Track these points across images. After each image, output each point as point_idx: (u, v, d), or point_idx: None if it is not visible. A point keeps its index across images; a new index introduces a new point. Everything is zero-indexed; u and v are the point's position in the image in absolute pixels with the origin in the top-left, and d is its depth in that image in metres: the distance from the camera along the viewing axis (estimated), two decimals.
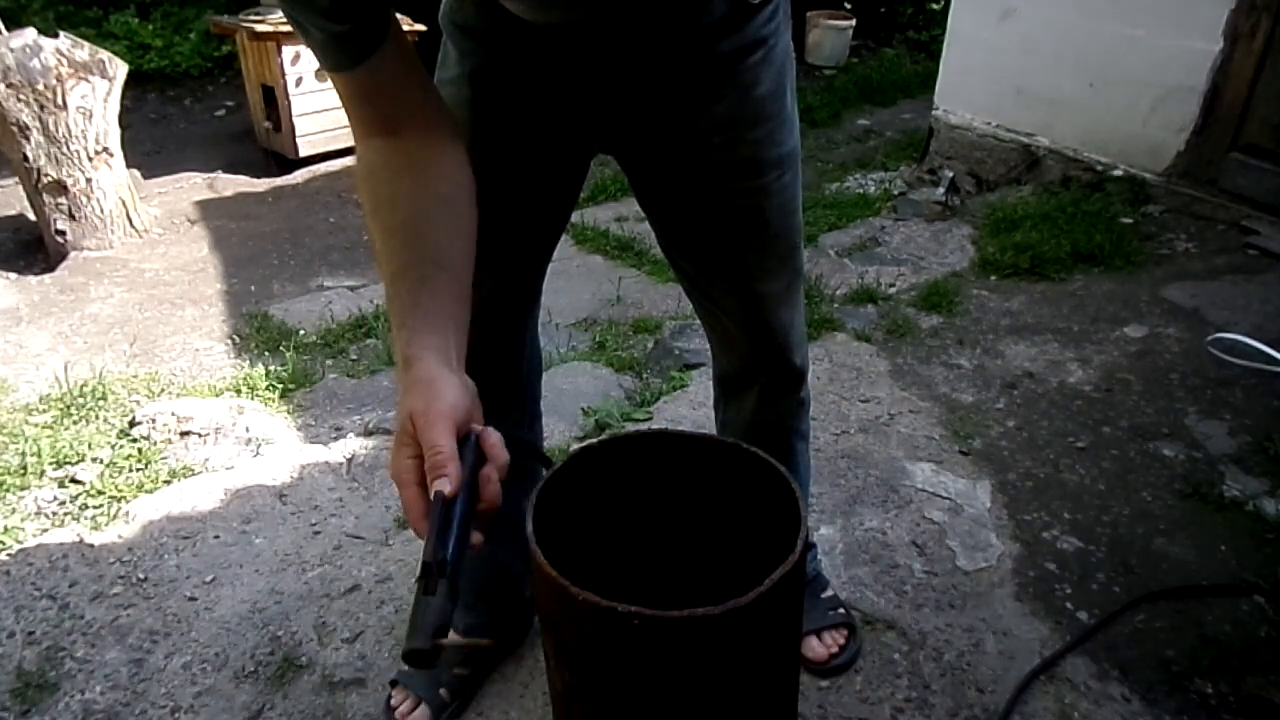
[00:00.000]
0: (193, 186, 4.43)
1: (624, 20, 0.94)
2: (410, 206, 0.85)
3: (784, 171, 1.10)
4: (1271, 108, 2.88)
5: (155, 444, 2.14)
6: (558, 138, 1.06)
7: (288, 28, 3.94)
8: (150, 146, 4.98)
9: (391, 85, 0.85)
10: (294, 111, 4.36)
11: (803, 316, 1.28)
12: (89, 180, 3.46)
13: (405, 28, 1.05)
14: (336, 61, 0.83)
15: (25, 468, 2.04)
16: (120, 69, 3.49)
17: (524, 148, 1.05)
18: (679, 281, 1.26)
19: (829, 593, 1.54)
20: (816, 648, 1.46)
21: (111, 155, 3.53)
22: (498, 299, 1.16)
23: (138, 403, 2.38)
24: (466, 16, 1.01)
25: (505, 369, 1.25)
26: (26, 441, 2.12)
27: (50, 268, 3.47)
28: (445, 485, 0.70)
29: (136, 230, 3.69)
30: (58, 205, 3.46)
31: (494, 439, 0.76)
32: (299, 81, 4.29)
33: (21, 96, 3.23)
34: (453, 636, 0.70)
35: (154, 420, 2.20)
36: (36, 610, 1.65)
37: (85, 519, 1.89)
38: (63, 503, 1.95)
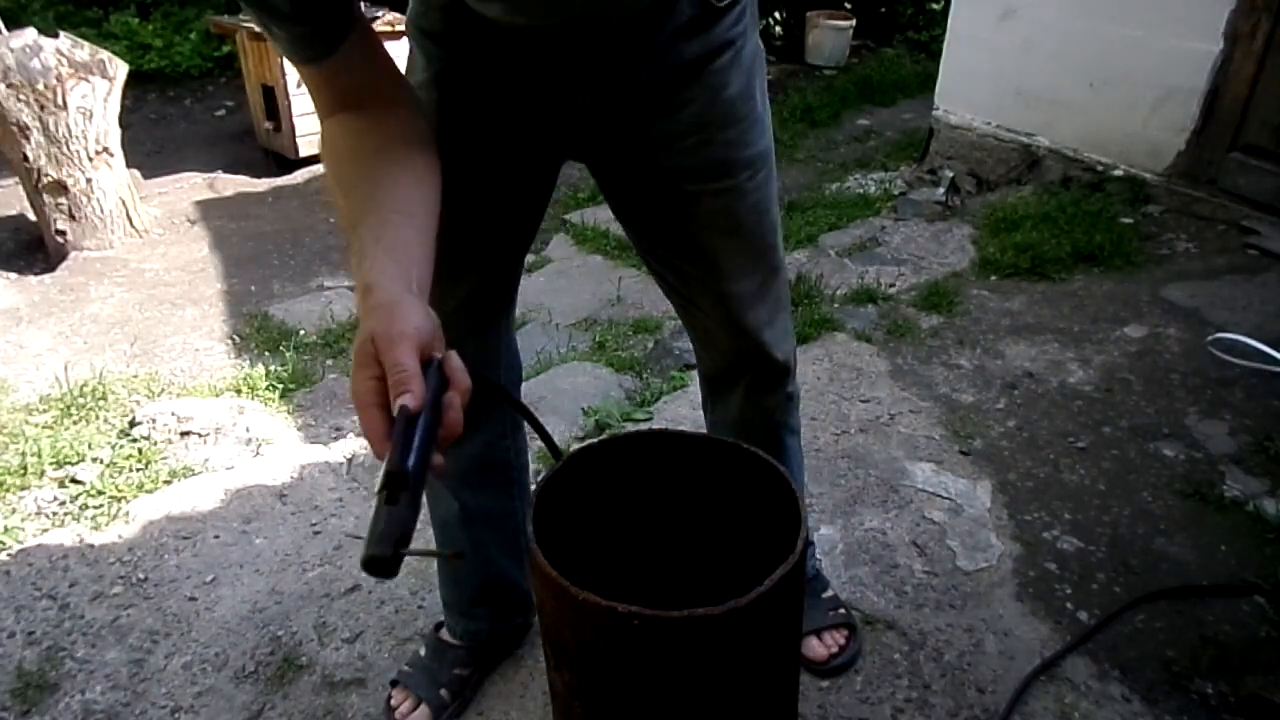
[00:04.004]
0: (193, 186, 4.43)
1: (590, 25, 0.94)
2: (369, 164, 0.86)
3: (756, 172, 1.09)
4: (1271, 108, 2.88)
5: (155, 444, 2.14)
6: (524, 142, 1.05)
7: None
8: (150, 146, 4.98)
9: (356, 71, 0.87)
10: (294, 111, 4.36)
11: (785, 312, 1.26)
12: (89, 180, 3.46)
13: (403, 28, 1.06)
14: (303, 57, 0.84)
15: (25, 468, 2.04)
16: (120, 69, 3.49)
17: (490, 152, 1.05)
18: (657, 283, 1.25)
19: (829, 593, 1.54)
20: (817, 648, 1.46)
21: (111, 155, 3.53)
22: (471, 304, 1.15)
23: (138, 403, 2.38)
24: (431, 22, 1.01)
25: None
26: (26, 441, 2.13)
27: (50, 268, 3.47)
28: (410, 400, 0.68)
29: (136, 230, 3.69)
30: (58, 205, 3.46)
31: (456, 364, 0.75)
32: (299, 82, 4.29)
33: (21, 96, 3.23)
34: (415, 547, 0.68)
35: (154, 420, 2.20)
36: (36, 610, 1.65)
37: (85, 519, 1.89)
38: (63, 503, 1.95)
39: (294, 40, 0.82)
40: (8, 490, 1.98)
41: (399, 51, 1.01)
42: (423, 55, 1.03)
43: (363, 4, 0.88)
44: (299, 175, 4.52)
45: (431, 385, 0.71)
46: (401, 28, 1.05)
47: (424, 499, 1.33)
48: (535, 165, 1.10)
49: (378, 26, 3.63)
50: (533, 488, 1.63)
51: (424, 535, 1.73)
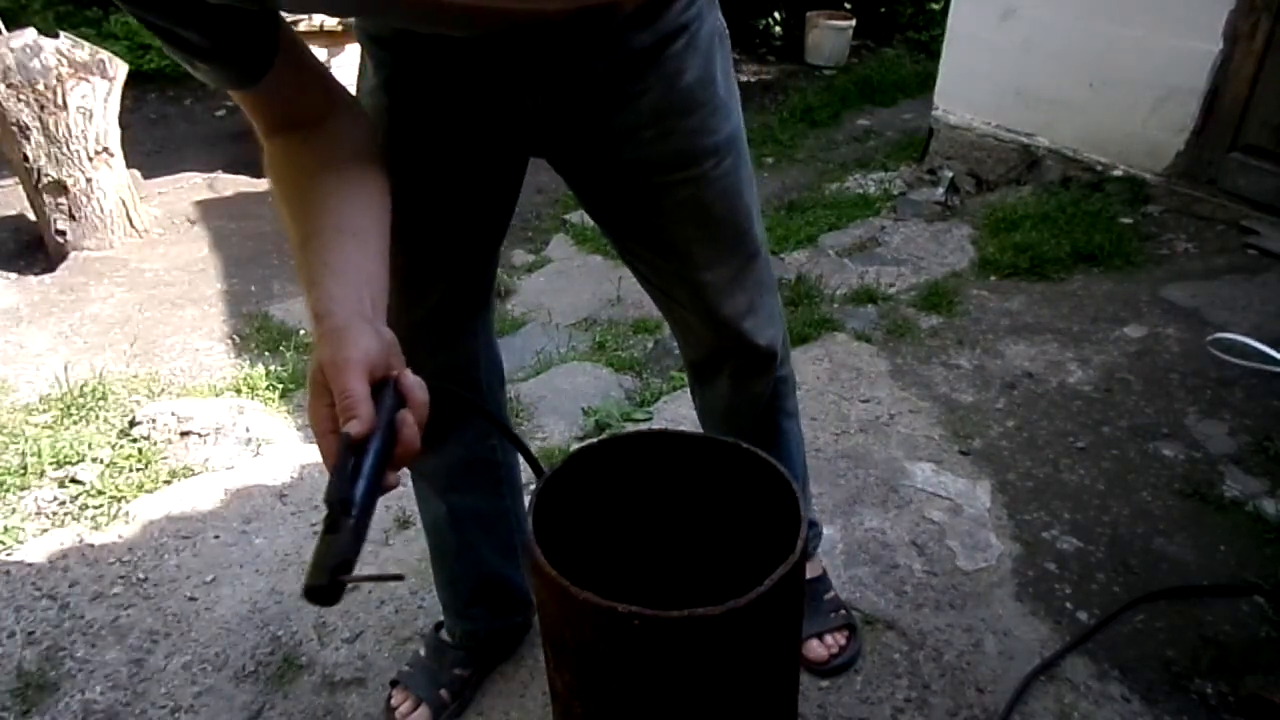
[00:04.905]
0: (193, 186, 4.42)
1: (520, 32, 0.92)
2: (311, 184, 0.84)
3: (722, 158, 1.06)
4: (1271, 108, 2.88)
5: (155, 444, 2.14)
6: (481, 144, 1.04)
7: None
8: (150, 146, 4.97)
9: (289, 93, 0.85)
10: None
11: (768, 296, 1.23)
12: (89, 180, 3.46)
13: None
14: (230, 85, 0.82)
15: (25, 468, 2.04)
16: (120, 69, 3.49)
17: (446, 156, 1.03)
18: (634, 277, 1.23)
19: (830, 594, 1.54)
20: (817, 649, 1.46)
21: (111, 155, 3.53)
22: (442, 311, 1.15)
23: (138, 403, 2.38)
24: (378, 27, 1.00)
25: (463, 381, 1.24)
26: (26, 441, 2.13)
27: (50, 268, 3.47)
28: (354, 426, 0.68)
29: (136, 230, 3.69)
30: (58, 205, 3.46)
31: (411, 382, 0.75)
32: None
33: (21, 96, 3.23)
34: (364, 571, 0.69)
35: (154, 420, 2.20)
36: (36, 610, 1.65)
37: (85, 519, 1.90)
38: (63, 503, 1.95)
39: (217, 73, 0.80)
40: (8, 490, 1.98)
41: (352, 56, 1.00)
42: (372, 61, 1.02)
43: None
44: None
45: (385, 406, 0.72)
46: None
47: (426, 506, 1.34)
48: (494, 167, 1.09)
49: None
50: (531, 486, 1.63)
51: (418, 543, 1.73)
